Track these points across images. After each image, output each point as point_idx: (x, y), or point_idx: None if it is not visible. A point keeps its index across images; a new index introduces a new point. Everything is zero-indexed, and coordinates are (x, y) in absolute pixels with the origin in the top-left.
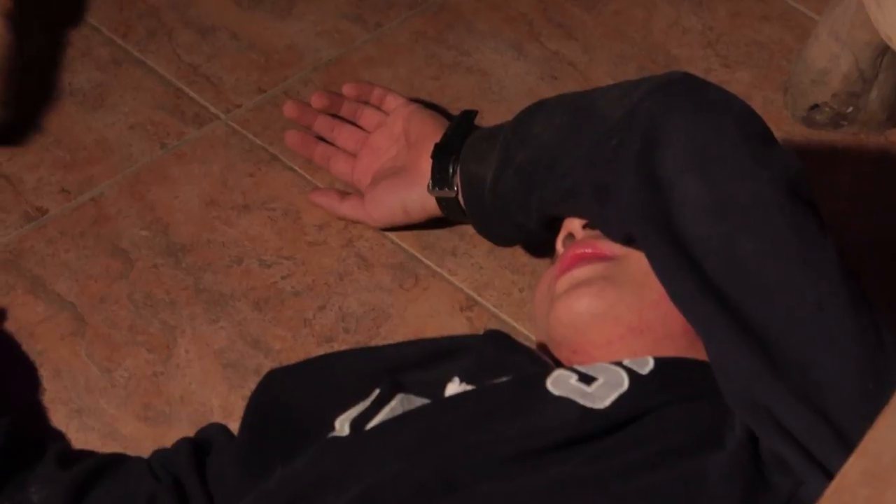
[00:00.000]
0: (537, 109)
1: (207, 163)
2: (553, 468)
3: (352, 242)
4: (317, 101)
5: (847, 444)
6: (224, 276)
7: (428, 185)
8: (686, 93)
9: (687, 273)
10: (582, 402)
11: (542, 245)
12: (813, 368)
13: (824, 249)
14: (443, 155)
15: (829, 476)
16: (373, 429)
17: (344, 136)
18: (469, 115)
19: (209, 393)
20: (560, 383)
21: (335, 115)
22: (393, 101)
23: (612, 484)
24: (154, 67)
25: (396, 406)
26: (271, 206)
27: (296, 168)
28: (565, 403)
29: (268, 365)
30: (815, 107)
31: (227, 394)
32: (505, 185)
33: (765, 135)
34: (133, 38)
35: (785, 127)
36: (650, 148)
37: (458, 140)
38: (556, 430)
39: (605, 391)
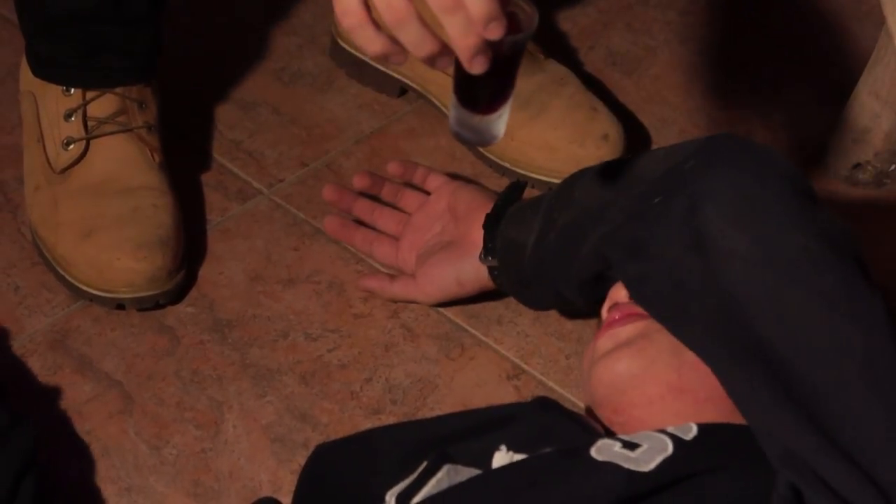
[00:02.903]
0: (580, 175)
1: (251, 238)
2: None
3: (397, 314)
4: (359, 181)
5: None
6: (270, 351)
7: (480, 255)
8: (730, 150)
9: (722, 339)
10: (626, 465)
11: (587, 311)
12: (860, 425)
13: (872, 304)
14: (494, 224)
15: None
16: None
17: (384, 218)
18: (519, 186)
19: (258, 468)
20: (604, 450)
21: (374, 197)
22: (436, 180)
23: None
24: (197, 144)
25: (443, 478)
26: (316, 279)
27: (339, 241)
28: (610, 468)
29: (316, 438)
30: (857, 166)
31: (275, 468)
32: (546, 248)
33: (809, 191)
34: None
35: (828, 186)
36: (694, 204)
37: (508, 209)
38: (601, 496)
39: (649, 455)
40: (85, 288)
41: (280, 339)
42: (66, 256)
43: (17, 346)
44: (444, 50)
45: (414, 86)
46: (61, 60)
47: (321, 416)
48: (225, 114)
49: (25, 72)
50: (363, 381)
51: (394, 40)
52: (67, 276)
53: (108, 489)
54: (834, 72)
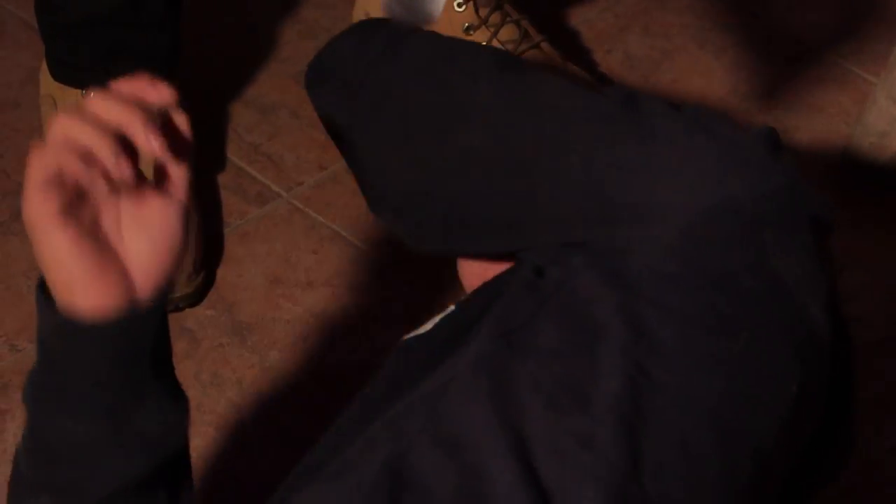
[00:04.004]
0: None
1: (270, 241)
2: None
3: (416, 316)
4: None
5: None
6: (289, 354)
7: None
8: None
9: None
10: (408, 336)
11: None
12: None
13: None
14: None
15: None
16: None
17: None
18: None
19: (276, 470)
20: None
21: None
22: None
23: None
24: (215, 147)
25: None
26: (335, 282)
27: (358, 244)
28: (394, 351)
29: None
30: (875, 168)
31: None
32: None
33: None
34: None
35: (846, 189)
36: None
37: None
38: (387, 376)
39: (431, 321)
40: None
41: (299, 342)
42: None
43: None
44: None
45: None
46: (80, 64)
47: None
48: (243, 117)
49: (45, 75)
50: None
51: None
52: None
53: None
54: (852, 76)
